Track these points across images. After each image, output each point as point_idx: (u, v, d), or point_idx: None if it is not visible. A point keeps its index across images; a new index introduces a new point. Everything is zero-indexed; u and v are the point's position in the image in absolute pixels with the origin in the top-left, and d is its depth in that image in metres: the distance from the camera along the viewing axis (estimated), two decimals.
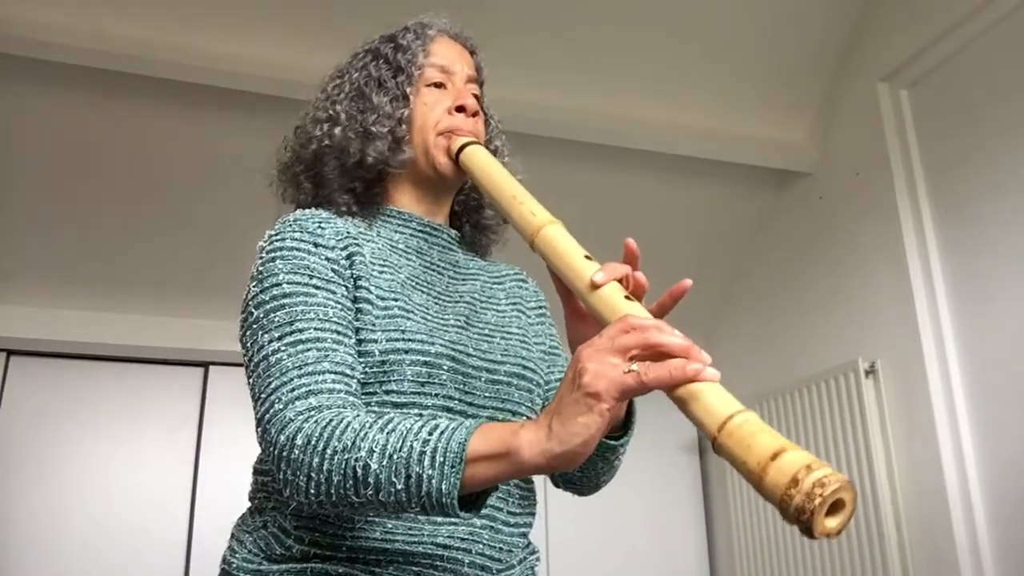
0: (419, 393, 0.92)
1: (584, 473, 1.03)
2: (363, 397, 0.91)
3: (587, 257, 0.84)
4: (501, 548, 0.94)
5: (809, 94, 2.96)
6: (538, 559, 1.03)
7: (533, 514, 1.02)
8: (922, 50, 2.54)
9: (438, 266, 1.06)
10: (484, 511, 0.92)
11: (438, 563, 0.89)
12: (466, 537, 0.91)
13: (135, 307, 2.90)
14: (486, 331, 1.02)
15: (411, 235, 1.05)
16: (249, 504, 0.98)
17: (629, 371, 0.69)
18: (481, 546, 0.92)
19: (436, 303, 1.01)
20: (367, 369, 0.91)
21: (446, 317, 0.99)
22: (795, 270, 3.03)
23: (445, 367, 0.93)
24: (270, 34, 2.46)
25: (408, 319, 0.94)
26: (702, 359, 0.70)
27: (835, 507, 0.60)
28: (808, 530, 0.59)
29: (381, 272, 0.97)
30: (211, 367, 2.98)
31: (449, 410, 0.93)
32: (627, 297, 0.79)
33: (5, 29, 2.22)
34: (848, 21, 2.81)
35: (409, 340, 0.92)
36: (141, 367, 2.97)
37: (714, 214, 3.15)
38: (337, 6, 2.41)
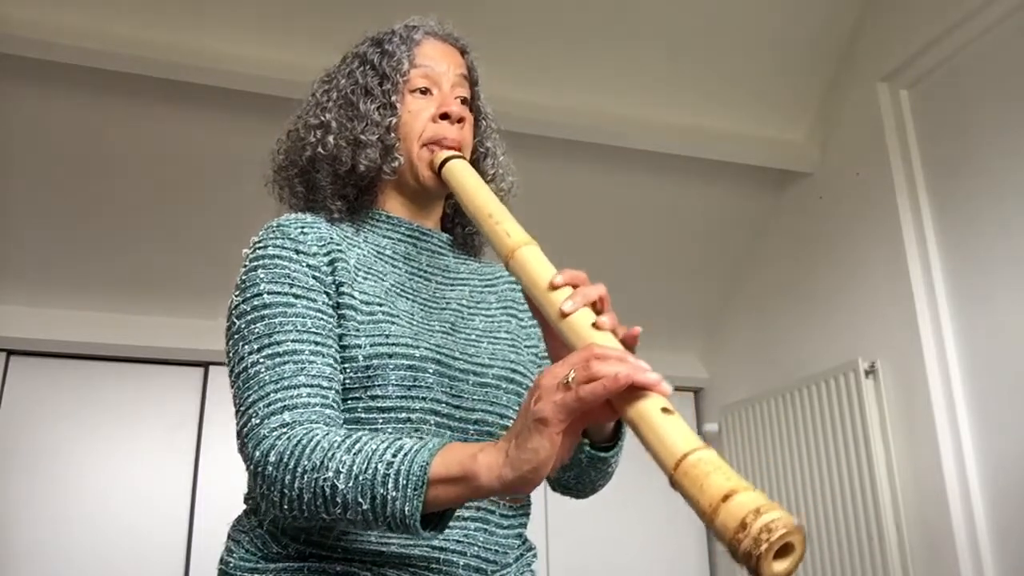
0: (405, 397, 0.92)
1: (578, 480, 1.04)
2: (349, 403, 0.92)
3: (555, 285, 0.82)
4: (497, 550, 0.94)
5: (809, 94, 2.96)
6: (535, 555, 1.04)
7: (527, 514, 1.02)
8: (922, 50, 2.54)
9: (425, 272, 1.06)
10: (477, 514, 0.93)
11: (434, 565, 0.89)
12: (461, 539, 0.91)
13: (135, 307, 2.90)
14: (473, 336, 1.02)
15: (399, 240, 1.05)
16: (245, 505, 0.98)
17: (567, 388, 0.70)
18: (476, 548, 0.92)
19: (422, 309, 1.01)
20: (352, 375, 0.91)
21: (431, 323, 1.00)
22: (795, 270, 3.03)
23: (431, 370, 0.93)
24: (270, 34, 2.46)
25: (393, 323, 0.94)
26: (648, 379, 0.70)
27: (784, 550, 0.61)
28: (756, 574, 0.60)
29: (366, 278, 0.98)
30: (211, 367, 2.98)
31: (437, 413, 0.93)
32: (595, 325, 0.78)
33: (5, 29, 2.22)
34: (848, 21, 2.81)
35: (393, 344, 0.92)
36: (141, 367, 2.97)
37: (714, 214, 3.15)
38: (337, 6, 2.41)
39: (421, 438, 0.82)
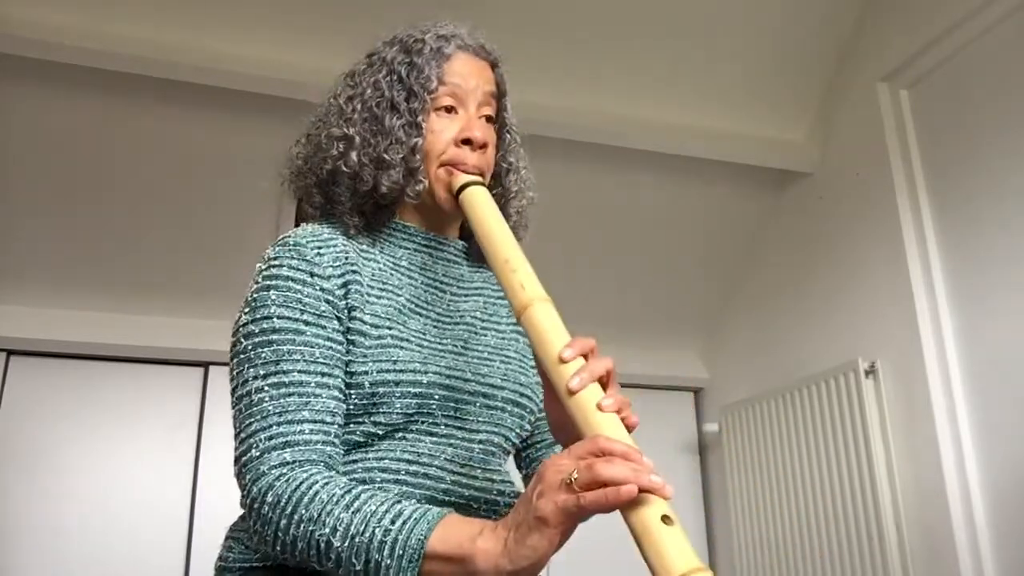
0: (407, 421, 0.93)
1: None
2: (349, 427, 0.92)
3: (564, 359, 0.81)
4: None
5: (809, 94, 2.96)
6: None
7: None
8: (922, 50, 2.54)
9: (441, 282, 1.05)
10: None
11: None
12: None
13: (135, 307, 2.90)
14: (485, 354, 1.02)
15: (415, 250, 1.04)
16: (243, 510, 0.99)
17: (571, 491, 0.70)
18: None
19: (435, 326, 1.00)
20: (357, 401, 0.91)
21: (443, 342, 0.99)
22: (795, 270, 3.03)
23: (436, 396, 0.93)
24: (270, 34, 2.46)
25: (401, 348, 0.94)
26: (651, 484, 0.70)
27: None
28: None
29: (379, 297, 0.97)
30: (211, 367, 2.98)
31: (433, 435, 0.94)
32: (599, 407, 0.78)
33: (5, 29, 2.22)
34: (848, 21, 2.81)
35: (400, 371, 0.92)
36: (141, 367, 2.97)
37: (714, 214, 3.15)
38: (338, 6, 2.41)
39: (420, 503, 0.81)
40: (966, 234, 2.40)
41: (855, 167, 2.79)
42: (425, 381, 0.93)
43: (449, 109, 1.03)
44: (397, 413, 0.92)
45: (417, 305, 1.01)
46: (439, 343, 0.98)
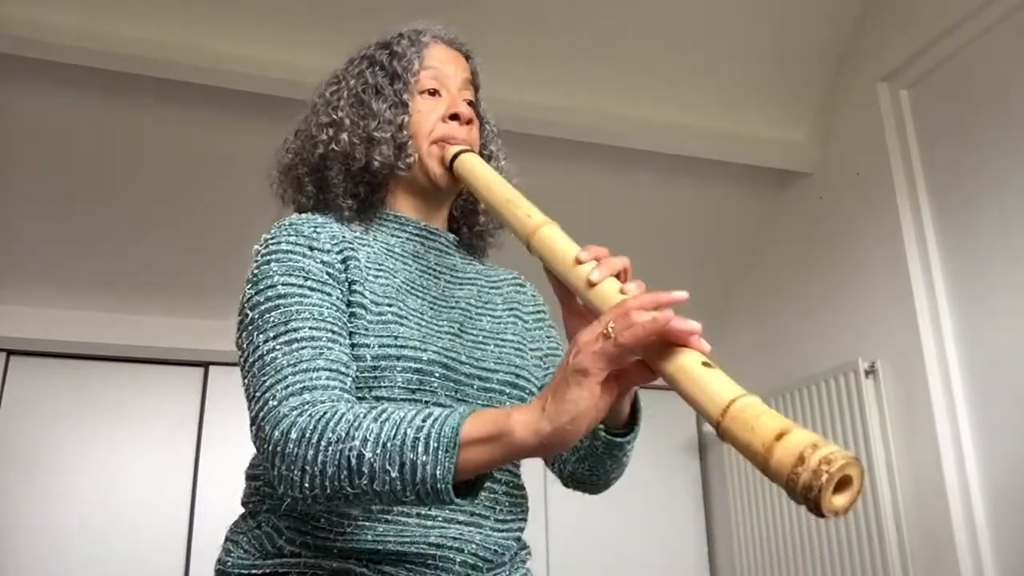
0: (409, 400, 0.92)
1: (593, 471, 1.03)
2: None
3: (580, 260, 0.83)
4: (495, 550, 0.95)
5: (809, 94, 2.96)
6: (529, 553, 1.05)
7: (524, 519, 1.02)
8: (922, 50, 2.54)
9: (434, 270, 1.06)
10: (471, 519, 0.93)
11: (430, 561, 0.89)
12: (457, 537, 0.91)
13: (135, 307, 2.90)
14: (480, 338, 1.02)
15: (408, 239, 1.05)
16: (243, 510, 0.99)
17: (607, 338, 0.69)
18: (473, 546, 0.92)
19: (431, 308, 1.01)
20: (358, 374, 0.91)
21: (440, 323, 0.99)
22: (795, 270, 3.04)
23: (437, 374, 0.93)
24: (270, 34, 2.46)
25: (402, 325, 0.94)
26: (688, 327, 0.70)
27: (842, 484, 0.60)
28: (816, 507, 0.59)
29: (376, 276, 0.97)
30: (211, 367, 2.98)
31: None
32: (622, 291, 0.79)
33: (5, 29, 2.22)
34: (848, 21, 2.81)
35: (402, 346, 0.92)
36: (141, 367, 2.97)
37: (714, 214, 3.15)
38: (337, 6, 2.41)
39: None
40: (966, 234, 2.40)
41: (855, 167, 2.79)
42: (425, 358, 0.93)
43: (432, 92, 1.06)
44: (399, 387, 0.91)
45: (413, 287, 1.01)
46: (436, 324, 0.99)
